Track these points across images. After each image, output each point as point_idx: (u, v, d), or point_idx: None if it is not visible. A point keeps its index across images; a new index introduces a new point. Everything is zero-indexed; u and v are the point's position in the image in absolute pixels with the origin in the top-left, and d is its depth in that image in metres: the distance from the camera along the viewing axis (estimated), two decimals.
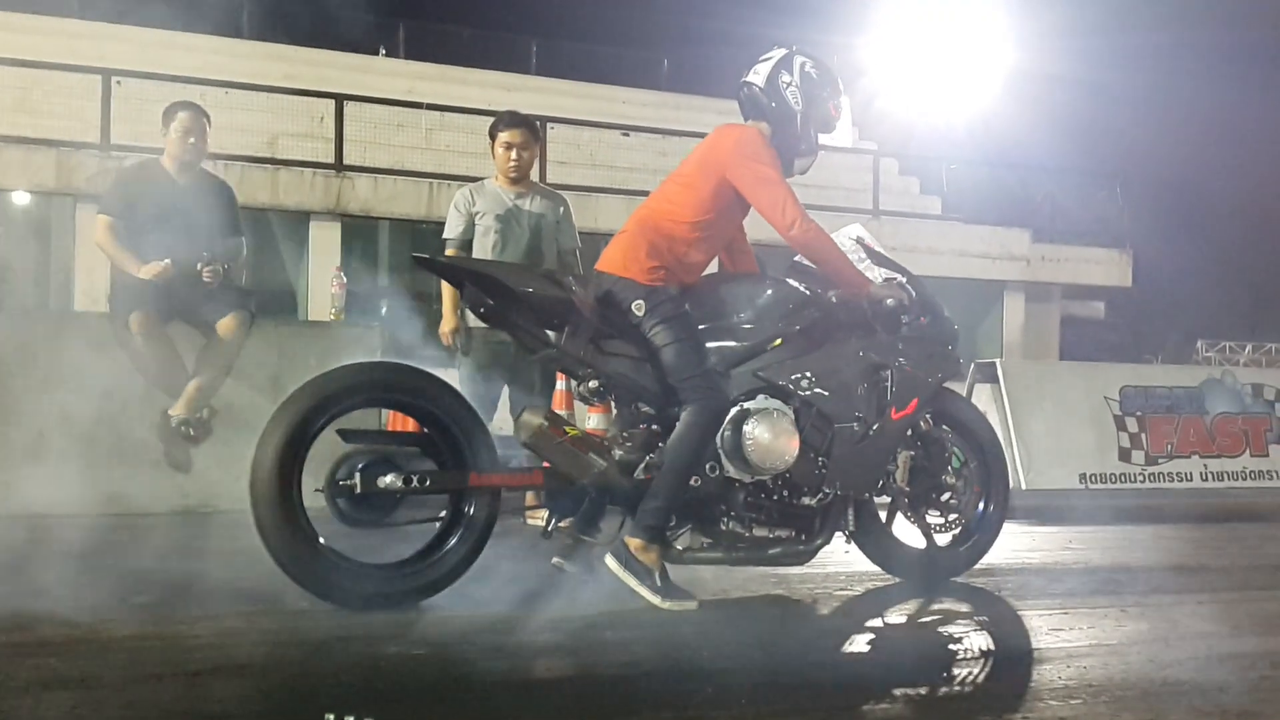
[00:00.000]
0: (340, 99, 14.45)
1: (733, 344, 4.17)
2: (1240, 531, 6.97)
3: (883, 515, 4.53)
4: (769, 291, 4.28)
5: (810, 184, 17.57)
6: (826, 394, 4.19)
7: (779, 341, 4.19)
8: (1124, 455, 8.36)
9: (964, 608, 4.38)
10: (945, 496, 4.54)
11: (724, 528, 4.10)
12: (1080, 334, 19.86)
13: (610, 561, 3.87)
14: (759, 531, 4.14)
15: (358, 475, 3.71)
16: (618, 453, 4.03)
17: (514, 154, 5.73)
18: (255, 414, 3.86)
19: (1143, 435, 8.45)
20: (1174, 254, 24.17)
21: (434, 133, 15.78)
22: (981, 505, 4.69)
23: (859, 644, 3.80)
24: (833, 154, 18.04)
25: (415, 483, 3.76)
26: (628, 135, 16.84)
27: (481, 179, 5.97)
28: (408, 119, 15.65)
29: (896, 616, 4.19)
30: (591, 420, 7.84)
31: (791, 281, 4.33)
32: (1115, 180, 19.42)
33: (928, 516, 4.57)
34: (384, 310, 11.71)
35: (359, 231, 14.92)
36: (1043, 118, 22.51)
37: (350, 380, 3.87)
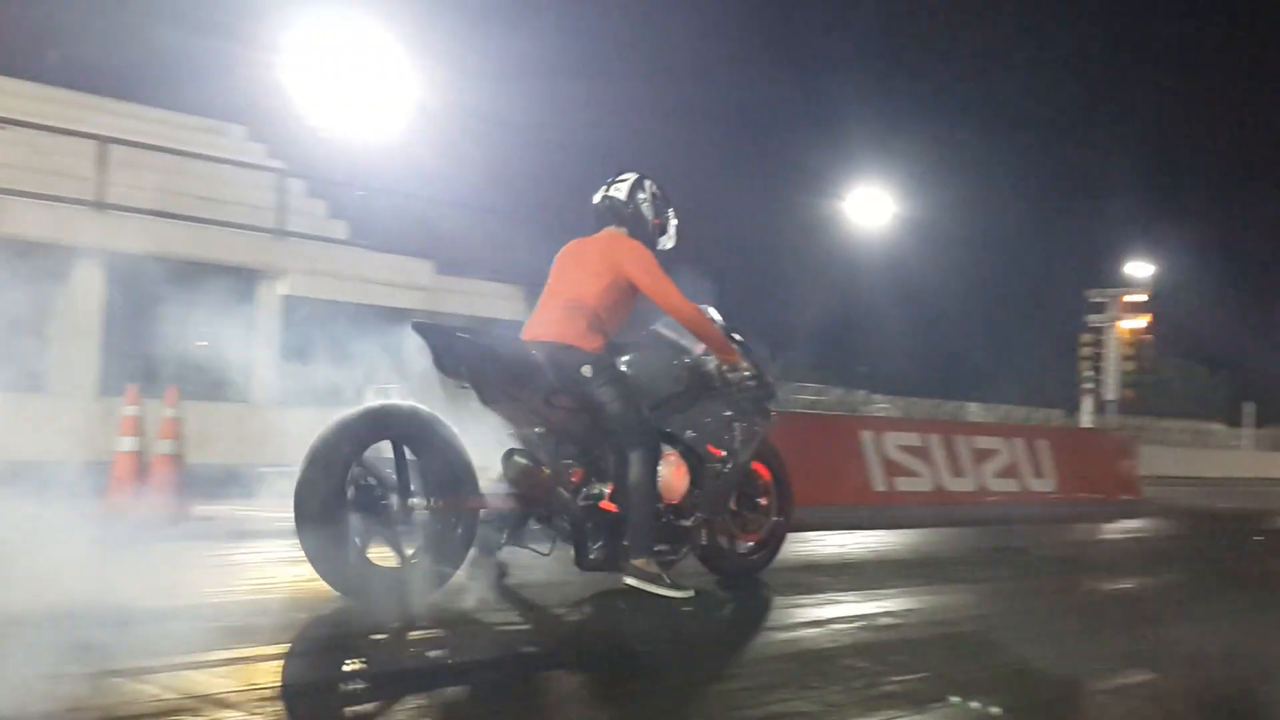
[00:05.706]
0: None
1: (639, 398, 5.30)
2: None
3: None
4: (662, 356, 5.58)
5: (212, 198, 16.78)
6: (701, 440, 5.54)
7: (669, 397, 5.45)
8: None
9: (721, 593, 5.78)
10: (754, 514, 6.04)
11: (625, 543, 5.17)
12: None
13: (630, 580, 5.08)
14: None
15: (358, 486, 4.71)
16: (583, 490, 5.18)
17: None
18: None
19: None
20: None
21: None
22: (775, 520, 6.14)
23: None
24: (239, 169, 17.44)
25: (423, 503, 4.78)
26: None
27: None
28: None
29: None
30: None
31: (674, 346, 5.60)
32: (516, 217, 20.46)
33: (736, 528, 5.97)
34: None
35: None
36: (452, 155, 23.13)
37: (374, 418, 4.79)
